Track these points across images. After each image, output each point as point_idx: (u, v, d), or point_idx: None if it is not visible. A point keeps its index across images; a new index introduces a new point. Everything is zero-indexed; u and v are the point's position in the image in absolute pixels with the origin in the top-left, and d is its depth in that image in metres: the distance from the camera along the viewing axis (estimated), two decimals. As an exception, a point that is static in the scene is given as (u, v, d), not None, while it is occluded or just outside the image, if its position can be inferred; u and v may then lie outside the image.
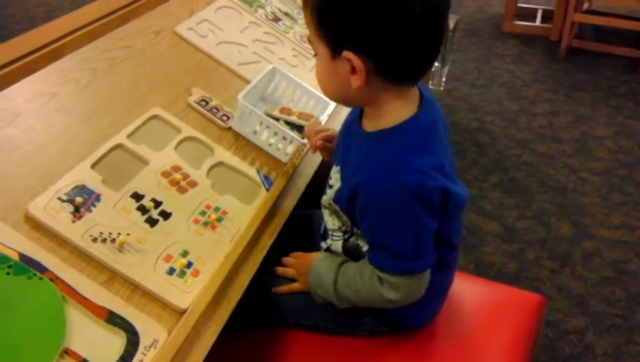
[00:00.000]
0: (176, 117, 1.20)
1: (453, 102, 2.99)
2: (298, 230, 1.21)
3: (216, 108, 1.27)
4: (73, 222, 0.92)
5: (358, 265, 1.03)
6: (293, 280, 1.13)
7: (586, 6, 3.52)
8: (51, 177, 0.97)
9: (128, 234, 0.95)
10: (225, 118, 1.26)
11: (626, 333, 1.77)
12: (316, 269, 1.07)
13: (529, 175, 2.47)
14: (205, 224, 1.03)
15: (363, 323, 1.11)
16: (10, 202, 0.91)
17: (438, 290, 1.10)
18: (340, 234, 1.06)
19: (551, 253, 2.06)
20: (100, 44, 1.29)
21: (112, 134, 1.09)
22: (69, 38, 1.24)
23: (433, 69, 2.44)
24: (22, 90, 1.11)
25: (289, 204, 1.16)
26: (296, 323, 1.13)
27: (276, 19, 1.66)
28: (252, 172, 1.18)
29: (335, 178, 1.02)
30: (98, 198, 0.97)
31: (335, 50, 0.88)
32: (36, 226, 0.90)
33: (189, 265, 0.95)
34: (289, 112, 1.29)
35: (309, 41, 0.94)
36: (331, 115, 1.35)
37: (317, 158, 1.27)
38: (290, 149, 1.24)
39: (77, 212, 0.94)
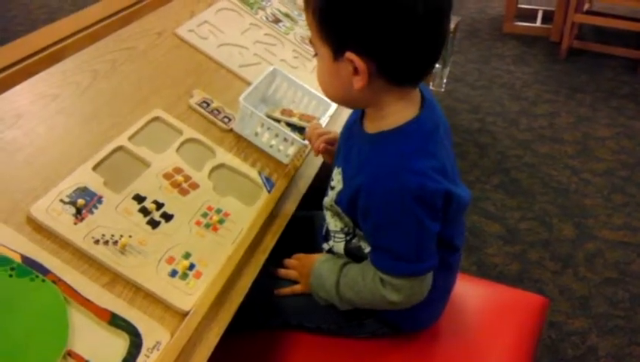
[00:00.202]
0: (178, 119, 1.20)
1: (453, 104, 2.99)
2: (300, 232, 1.21)
3: (218, 110, 1.27)
4: (75, 224, 0.92)
5: (361, 266, 1.02)
6: (295, 282, 1.13)
7: (586, 7, 3.52)
8: (53, 179, 0.97)
9: (130, 236, 0.95)
10: (226, 119, 1.26)
11: (628, 334, 1.77)
12: (318, 271, 1.07)
13: (531, 176, 2.47)
14: (207, 226, 1.03)
15: (365, 324, 1.11)
16: (12, 204, 0.91)
17: (441, 292, 1.10)
18: (342, 235, 1.06)
19: (553, 255, 2.06)
20: (101, 46, 1.29)
21: (113, 136, 1.09)
22: (70, 40, 1.24)
23: (434, 71, 2.43)
24: (23, 93, 1.11)
25: (290, 205, 1.16)
26: (299, 325, 1.13)
27: (277, 21, 1.66)
28: (253, 174, 1.18)
29: (337, 180, 1.02)
30: (100, 200, 0.97)
31: (337, 52, 0.88)
32: (38, 228, 0.90)
33: (191, 267, 0.95)
34: (290, 114, 1.29)
35: (311, 42, 0.94)
36: (332, 117, 1.35)
37: (318, 160, 1.27)
38: (291, 151, 1.23)
39: (79, 214, 0.94)
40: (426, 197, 0.90)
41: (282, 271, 1.15)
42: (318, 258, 1.10)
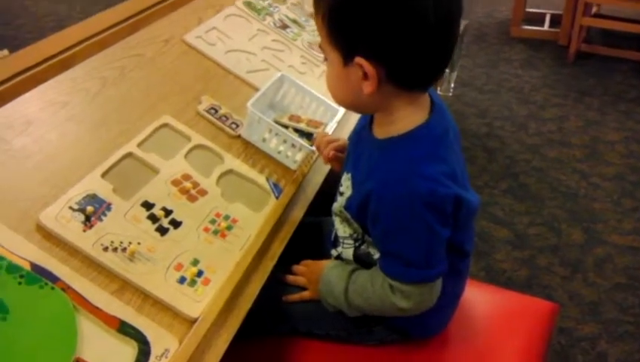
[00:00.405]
0: (186, 125, 1.20)
1: (462, 108, 2.99)
2: (308, 238, 1.21)
3: (226, 116, 1.27)
4: (84, 231, 0.92)
5: (370, 273, 1.02)
6: (303, 289, 1.13)
7: (594, 10, 3.51)
8: (62, 186, 0.97)
9: (139, 243, 0.95)
10: (234, 125, 1.26)
11: (639, 340, 1.76)
12: (327, 277, 1.07)
13: (539, 180, 2.46)
14: (215, 232, 1.03)
15: (374, 331, 1.10)
16: (21, 212, 0.91)
17: (450, 298, 1.09)
18: (351, 241, 1.06)
19: (562, 260, 2.05)
20: (109, 53, 1.29)
21: (122, 143, 1.09)
22: (79, 48, 1.24)
23: (442, 75, 2.43)
24: (33, 100, 1.11)
25: (299, 211, 1.16)
26: (307, 332, 1.13)
27: (284, 27, 1.67)
28: (261, 180, 1.18)
29: (346, 185, 1.02)
30: (109, 207, 0.98)
31: (347, 57, 0.88)
32: (47, 236, 0.90)
33: (200, 273, 0.95)
34: (298, 120, 1.29)
35: (320, 47, 0.94)
36: (340, 122, 1.35)
37: (326, 166, 1.26)
38: (299, 157, 1.23)
39: (88, 221, 0.94)
40: (436, 202, 0.90)
41: (290, 278, 1.15)
42: (326, 264, 1.09)
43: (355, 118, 1.33)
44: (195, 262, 0.97)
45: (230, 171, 1.17)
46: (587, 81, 3.25)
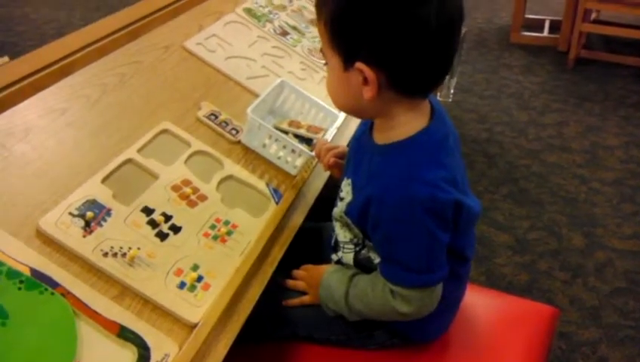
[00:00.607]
0: (186, 131, 1.20)
1: (461, 114, 2.99)
2: (308, 243, 1.21)
3: (226, 122, 1.27)
4: (84, 236, 0.92)
5: (370, 277, 1.02)
6: (303, 293, 1.13)
7: (594, 16, 3.52)
8: (62, 192, 0.97)
9: (139, 249, 0.95)
10: (234, 131, 1.26)
11: (639, 345, 1.75)
12: (327, 282, 1.07)
13: (539, 185, 2.46)
14: (215, 238, 1.03)
15: (375, 336, 1.10)
16: (21, 217, 0.92)
17: (450, 302, 1.09)
18: (352, 246, 1.06)
19: (563, 264, 2.05)
20: (109, 60, 1.30)
21: (122, 149, 1.10)
22: (79, 55, 1.25)
23: (441, 81, 2.43)
24: (33, 107, 1.12)
25: (298, 217, 1.16)
26: (308, 337, 1.13)
27: (284, 34, 1.67)
28: (261, 185, 1.18)
29: (346, 191, 1.02)
30: (109, 213, 0.98)
31: (347, 61, 0.88)
32: (47, 241, 0.90)
33: (200, 278, 0.95)
34: (298, 125, 1.30)
35: (322, 52, 0.94)
36: (340, 128, 1.36)
37: (326, 171, 1.27)
38: (299, 162, 1.24)
39: (88, 227, 0.94)
40: (436, 207, 0.90)
41: (291, 282, 1.15)
42: (326, 269, 1.09)
43: (354, 123, 1.33)
44: (195, 268, 0.97)
45: (230, 177, 1.17)
46: (587, 87, 3.25)
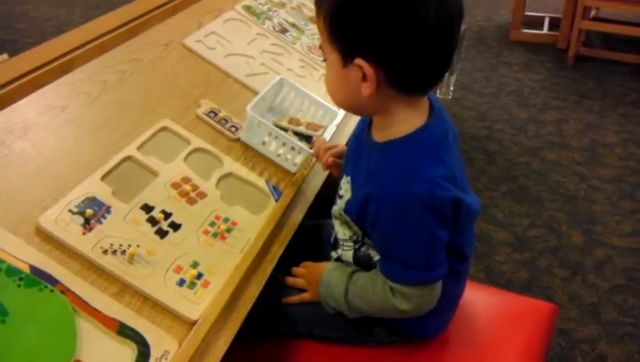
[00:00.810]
0: (186, 128, 1.20)
1: (461, 111, 2.99)
2: (307, 240, 1.21)
3: (225, 120, 1.27)
4: (84, 234, 0.93)
5: (370, 275, 1.02)
6: (303, 291, 1.13)
7: (593, 13, 3.52)
8: (62, 190, 0.97)
9: (138, 246, 0.95)
10: (233, 129, 1.26)
11: (639, 341, 1.75)
12: (326, 279, 1.07)
13: (539, 183, 2.46)
14: (215, 235, 1.03)
15: (374, 333, 1.10)
16: (21, 215, 0.92)
17: (450, 300, 1.09)
18: (351, 244, 1.06)
19: (562, 262, 2.05)
20: (109, 58, 1.30)
21: (121, 146, 1.10)
22: (79, 52, 1.25)
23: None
24: (33, 104, 1.12)
25: (298, 214, 1.16)
26: (307, 334, 1.13)
27: (283, 31, 1.67)
28: (261, 182, 1.18)
29: (345, 188, 1.02)
30: (108, 210, 0.98)
31: (347, 57, 0.88)
32: (47, 239, 0.90)
33: (199, 276, 0.95)
34: (297, 123, 1.30)
35: (321, 48, 0.94)
36: (339, 125, 1.36)
37: (325, 171, 1.27)
38: (298, 159, 1.24)
39: (87, 224, 0.94)
40: (435, 205, 0.90)
41: (290, 280, 1.15)
42: (326, 266, 1.09)
43: (354, 121, 1.33)
44: (195, 265, 0.97)
45: (230, 174, 1.17)
46: (586, 84, 3.25)
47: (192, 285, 0.94)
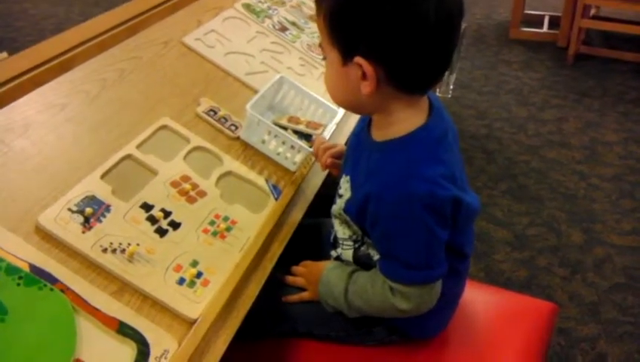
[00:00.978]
0: (185, 127, 1.20)
1: (460, 110, 2.99)
2: (307, 239, 1.21)
3: (225, 118, 1.27)
4: (83, 232, 0.92)
5: (369, 274, 1.02)
6: (303, 290, 1.13)
7: (593, 12, 3.52)
8: (61, 188, 0.97)
9: (138, 245, 0.95)
10: (233, 127, 1.26)
11: (638, 340, 1.75)
12: (326, 278, 1.07)
13: (538, 182, 2.46)
14: (214, 234, 1.03)
15: (374, 332, 1.10)
16: (20, 213, 0.91)
17: (449, 299, 1.09)
18: (351, 243, 1.06)
19: (562, 260, 2.05)
20: (109, 56, 1.29)
21: (121, 145, 1.09)
22: (78, 50, 1.25)
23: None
24: (32, 102, 1.11)
25: (298, 213, 1.16)
26: (307, 333, 1.13)
27: (283, 29, 1.67)
28: (261, 181, 1.18)
29: (345, 188, 1.02)
30: (108, 209, 0.98)
31: (346, 56, 0.88)
32: (47, 237, 0.90)
33: (199, 274, 0.95)
34: (297, 121, 1.30)
35: (321, 47, 0.94)
36: (339, 124, 1.35)
37: (323, 171, 1.27)
38: (298, 158, 1.24)
39: (87, 223, 0.94)
40: (435, 204, 0.90)
41: (290, 278, 1.15)
42: (326, 265, 1.09)
43: (354, 119, 1.33)
44: (195, 264, 0.97)
45: (229, 173, 1.17)
46: (586, 83, 3.25)
47: (192, 284, 0.94)
